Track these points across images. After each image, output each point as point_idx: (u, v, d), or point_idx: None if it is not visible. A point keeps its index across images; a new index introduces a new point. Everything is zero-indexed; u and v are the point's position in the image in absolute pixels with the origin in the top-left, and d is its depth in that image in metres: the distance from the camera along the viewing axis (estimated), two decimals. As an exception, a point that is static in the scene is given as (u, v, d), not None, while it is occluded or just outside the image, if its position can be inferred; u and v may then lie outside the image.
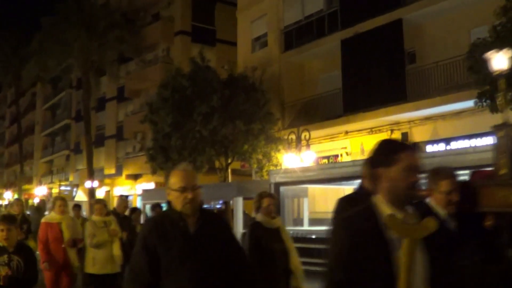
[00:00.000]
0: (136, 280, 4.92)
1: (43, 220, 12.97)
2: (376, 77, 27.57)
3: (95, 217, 12.68)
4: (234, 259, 5.20)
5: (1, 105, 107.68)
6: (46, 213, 19.60)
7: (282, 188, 22.93)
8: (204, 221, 5.16)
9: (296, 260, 8.94)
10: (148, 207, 35.41)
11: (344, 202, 6.78)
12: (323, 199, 26.92)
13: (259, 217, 8.71)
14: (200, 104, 30.09)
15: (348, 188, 25.53)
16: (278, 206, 23.11)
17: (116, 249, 12.40)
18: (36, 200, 75.56)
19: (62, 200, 13.06)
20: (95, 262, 12.14)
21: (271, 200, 8.79)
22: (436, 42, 26.84)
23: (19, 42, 70.38)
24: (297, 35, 33.97)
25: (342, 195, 23.88)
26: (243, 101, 30.53)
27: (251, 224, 8.89)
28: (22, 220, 16.70)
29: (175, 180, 5.14)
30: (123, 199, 16.56)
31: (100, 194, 56.18)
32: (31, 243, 14.14)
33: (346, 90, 29.59)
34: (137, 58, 51.07)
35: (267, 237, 8.49)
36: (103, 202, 13.68)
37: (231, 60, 35.35)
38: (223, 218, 6.41)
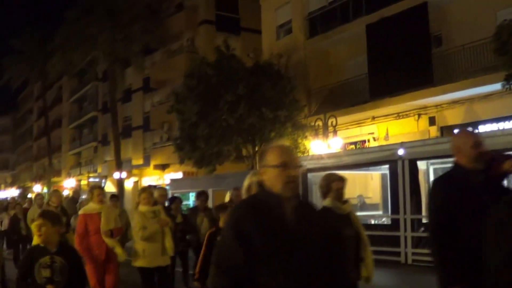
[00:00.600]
0: (229, 274, 4.16)
1: (80, 211, 11.94)
2: (402, 61, 27.40)
3: (142, 207, 11.38)
4: (333, 261, 4.76)
5: (28, 99, 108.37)
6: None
7: (309, 175, 22.99)
8: (303, 209, 4.49)
9: (367, 247, 7.98)
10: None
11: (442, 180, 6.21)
12: (351, 185, 26.82)
13: (328, 202, 7.86)
14: (226, 92, 30.13)
15: (376, 174, 25.60)
16: (306, 193, 23.18)
17: (168, 240, 11.44)
18: (65, 192, 76.07)
19: (100, 188, 12.29)
20: (145, 255, 11.12)
21: (340, 183, 7.98)
22: (462, 24, 26.62)
23: (44, 37, 70.73)
24: (322, 21, 33.87)
25: (370, 180, 24.00)
26: (269, 89, 30.51)
27: (321, 210, 7.62)
28: (61, 213, 16.19)
29: (273, 156, 4.42)
30: (164, 189, 16.23)
31: (128, 185, 56.48)
32: (70, 236, 13.72)
33: (372, 75, 29.47)
34: (161, 48, 51.10)
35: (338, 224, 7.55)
36: (149, 191, 12.13)
37: (256, 48, 35.23)
38: (317, 209, 5.53)
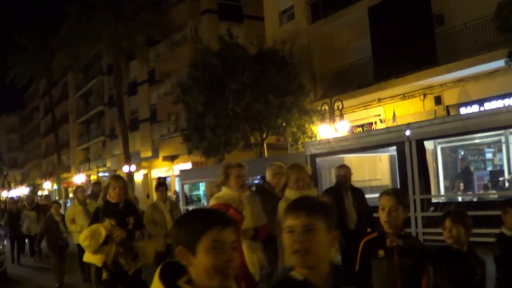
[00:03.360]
0: None
1: (213, 200, 7.97)
2: (405, 42, 27.42)
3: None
4: None
5: (34, 96, 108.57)
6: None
7: (318, 160, 23.05)
8: None
9: None
10: (187, 187, 35.72)
11: None
12: (360, 168, 26.93)
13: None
14: (231, 81, 30.20)
15: (384, 156, 25.67)
16: (315, 178, 23.27)
17: None
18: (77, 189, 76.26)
19: (240, 167, 8.23)
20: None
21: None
22: (463, 3, 26.62)
23: (47, 33, 70.77)
24: (324, 5, 33.86)
25: (378, 162, 24.05)
26: (274, 75, 30.58)
27: None
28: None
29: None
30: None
31: (138, 177, 56.68)
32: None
33: (376, 57, 29.49)
34: (165, 39, 51.23)
35: None
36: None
37: (259, 35, 35.26)
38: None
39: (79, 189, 16.89)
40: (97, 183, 20.45)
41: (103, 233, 8.31)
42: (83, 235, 8.41)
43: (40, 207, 23.90)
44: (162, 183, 14.05)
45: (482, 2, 24.97)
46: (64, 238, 16.49)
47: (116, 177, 9.20)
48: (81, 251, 13.80)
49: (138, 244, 9.14)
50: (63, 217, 16.59)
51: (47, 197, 33.45)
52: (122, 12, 47.46)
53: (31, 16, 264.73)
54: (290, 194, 7.64)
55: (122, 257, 8.95)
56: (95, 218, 9.01)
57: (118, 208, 9.05)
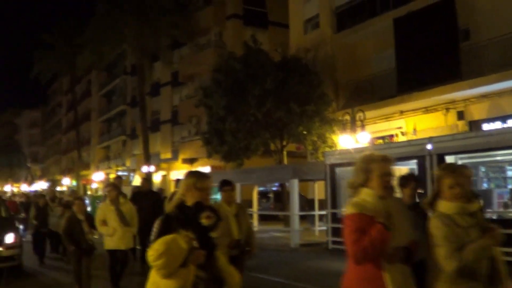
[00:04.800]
0: None
1: (353, 209, 5.50)
2: (429, 55, 27.31)
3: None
4: None
5: (58, 93, 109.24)
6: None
7: (337, 170, 22.99)
8: None
9: None
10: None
11: None
12: (379, 180, 26.87)
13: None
14: (253, 87, 30.23)
15: (404, 168, 25.57)
16: (334, 187, 23.23)
17: None
18: (94, 186, 76.57)
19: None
20: None
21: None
22: (489, 18, 26.47)
23: (73, 31, 71.07)
24: (349, 15, 33.84)
25: (398, 175, 23.88)
26: (297, 83, 30.58)
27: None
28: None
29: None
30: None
31: (156, 178, 56.77)
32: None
33: (400, 69, 29.39)
34: (190, 43, 51.30)
35: None
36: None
37: (283, 42, 35.32)
38: None
39: (110, 186, 14.33)
40: (118, 177, 19.63)
41: (185, 247, 5.67)
42: (156, 250, 5.61)
43: (68, 203, 20.00)
44: (227, 181, 10.65)
45: (509, 18, 24.88)
46: (88, 240, 13.47)
47: (201, 175, 6.30)
48: (113, 259, 13.53)
49: (223, 267, 6.30)
50: (88, 215, 13.89)
51: (73, 192, 31.17)
52: (148, 14, 47.56)
53: (57, 13, 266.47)
54: (445, 207, 5.52)
55: (203, 285, 6.11)
56: (165, 229, 5.99)
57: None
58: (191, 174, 6.26)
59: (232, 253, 9.45)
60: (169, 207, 6.23)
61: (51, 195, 24.17)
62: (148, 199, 17.16)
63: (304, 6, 38.09)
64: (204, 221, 5.86)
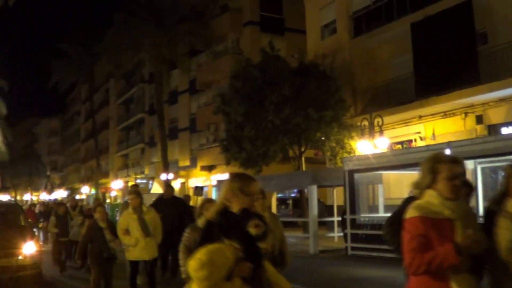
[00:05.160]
0: None
1: (416, 212, 5.74)
2: (447, 59, 27.19)
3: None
4: None
5: (76, 101, 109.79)
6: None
7: (356, 175, 22.95)
8: None
9: None
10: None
11: None
12: (398, 185, 26.74)
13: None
14: (271, 93, 30.24)
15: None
16: (353, 193, 23.18)
17: None
18: (113, 194, 76.74)
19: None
20: None
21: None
22: (507, 21, 26.33)
23: (91, 40, 71.40)
24: (366, 20, 33.77)
25: (417, 180, 23.51)
26: (315, 89, 30.55)
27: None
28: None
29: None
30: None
31: (175, 186, 56.86)
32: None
33: (418, 74, 29.27)
34: (207, 50, 51.49)
35: None
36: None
37: (300, 48, 35.30)
38: None
39: (133, 193, 13.59)
40: (135, 186, 19.23)
41: (231, 258, 5.07)
42: (198, 260, 5.03)
43: (89, 212, 20.75)
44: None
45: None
46: (110, 249, 13.06)
47: (248, 178, 5.70)
48: (134, 270, 13.09)
49: (273, 279, 5.68)
50: (110, 223, 13.43)
51: (96, 200, 28.98)
52: (165, 22, 47.71)
53: (75, 22, 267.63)
54: None
55: None
56: (207, 237, 5.45)
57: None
58: (237, 177, 5.63)
59: None
60: (210, 213, 5.64)
61: (73, 203, 23.87)
62: (171, 206, 16.42)
63: (320, 11, 38.06)
64: (252, 230, 5.23)
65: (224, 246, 5.08)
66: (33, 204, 36.90)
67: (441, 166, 4.87)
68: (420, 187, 4.98)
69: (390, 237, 6.92)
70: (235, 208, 5.37)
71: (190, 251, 8.00)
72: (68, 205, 23.42)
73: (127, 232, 12.70)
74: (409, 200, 5.67)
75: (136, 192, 13.83)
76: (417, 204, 4.82)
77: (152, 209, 13.60)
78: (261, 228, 5.25)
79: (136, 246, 12.65)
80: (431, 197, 4.80)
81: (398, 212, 6.42)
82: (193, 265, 5.01)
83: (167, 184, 19.33)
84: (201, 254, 5.04)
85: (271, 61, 31.96)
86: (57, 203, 27.10)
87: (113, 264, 13.36)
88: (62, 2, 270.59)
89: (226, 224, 5.30)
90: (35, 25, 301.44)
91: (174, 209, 16.28)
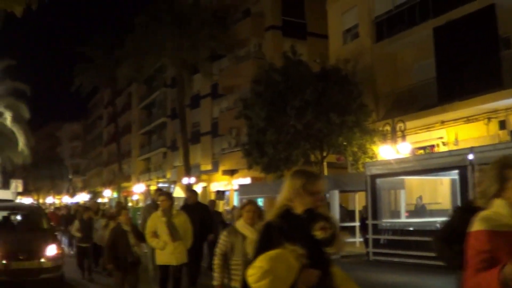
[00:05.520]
0: None
1: (483, 225, 5.07)
2: (470, 64, 27.06)
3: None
4: None
5: (98, 105, 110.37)
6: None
7: (378, 180, 22.91)
8: None
9: None
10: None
11: None
12: (420, 191, 26.68)
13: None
14: (293, 98, 30.24)
15: (445, 179, 25.36)
16: (375, 199, 23.13)
17: None
18: (135, 197, 76.99)
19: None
20: None
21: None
22: (532, 26, 26.22)
23: (113, 44, 71.74)
24: (389, 25, 33.68)
25: (439, 186, 23.86)
26: (337, 94, 30.52)
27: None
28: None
29: None
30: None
31: (197, 190, 56.94)
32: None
33: (440, 78, 29.16)
34: (229, 54, 51.52)
35: None
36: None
37: (322, 53, 35.31)
38: None
39: (164, 195, 13.08)
40: (158, 189, 18.58)
41: (295, 265, 4.48)
42: (259, 268, 4.46)
43: (112, 215, 18.90)
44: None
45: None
46: (134, 253, 12.47)
47: (312, 175, 5.04)
48: (164, 274, 12.67)
49: (342, 284, 5.01)
50: (134, 227, 12.92)
51: (119, 203, 28.79)
52: (187, 26, 47.82)
53: (97, 26, 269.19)
54: None
55: None
56: (266, 242, 4.75)
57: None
58: (300, 174, 4.97)
59: None
60: (270, 215, 4.92)
61: (95, 208, 23.43)
62: (195, 212, 15.11)
63: (343, 16, 38.02)
64: (318, 234, 4.65)
65: (286, 252, 4.49)
66: (57, 208, 36.74)
67: (510, 172, 4.18)
68: (486, 196, 4.28)
69: (443, 253, 6.26)
70: (298, 209, 4.79)
71: (226, 257, 8.15)
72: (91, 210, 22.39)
73: (155, 235, 12.34)
74: (461, 211, 5.62)
75: (167, 194, 13.54)
76: (484, 215, 4.13)
77: (183, 213, 13.04)
78: (328, 231, 4.68)
79: (164, 250, 12.26)
80: (499, 208, 4.11)
81: (450, 224, 6.11)
82: (253, 274, 4.46)
83: (190, 190, 18.62)
84: (261, 262, 4.46)
85: (293, 66, 31.95)
86: (83, 207, 26.66)
87: (138, 269, 12.74)
88: (84, 6, 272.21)
89: (288, 227, 4.71)
90: (57, 29, 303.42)
91: (198, 215, 15.21)
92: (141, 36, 49.61)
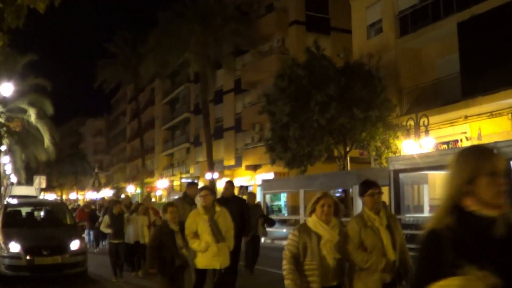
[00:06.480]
0: None
1: None
2: (494, 59, 26.92)
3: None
4: None
5: (122, 101, 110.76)
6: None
7: (401, 175, 22.86)
8: None
9: None
10: (268, 197, 35.77)
11: None
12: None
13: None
14: (316, 93, 30.22)
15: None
16: (398, 194, 23.11)
17: None
18: (158, 193, 77.17)
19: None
20: None
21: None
22: (557, 20, 26.04)
23: (136, 40, 72.02)
24: (413, 20, 33.55)
25: None
26: (360, 89, 30.50)
27: None
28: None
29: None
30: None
31: (220, 185, 57.07)
32: None
33: (464, 73, 29.02)
34: (252, 50, 51.57)
35: None
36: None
37: (346, 47, 35.26)
38: None
39: (206, 190, 11.45)
40: (192, 183, 17.46)
41: None
42: None
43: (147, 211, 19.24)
44: (372, 182, 7.53)
45: None
46: (182, 256, 10.94)
47: (488, 151, 3.43)
48: (200, 280, 11.23)
49: None
50: (182, 226, 11.04)
51: (147, 198, 24.46)
52: (210, 22, 47.95)
53: (120, 22, 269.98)
54: None
55: None
56: (432, 263, 3.25)
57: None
58: (474, 151, 3.45)
59: (386, 279, 7.18)
60: (434, 217, 3.37)
61: (127, 202, 22.55)
62: (232, 206, 13.05)
63: (366, 11, 37.91)
64: None
65: (471, 283, 2.95)
66: (86, 205, 35.43)
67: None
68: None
69: None
70: (474, 205, 3.28)
71: (296, 260, 7.09)
72: (122, 204, 21.18)
73: (196, 235, 10.90)
74: None
75: (209, 188, 12.00)
76: None
77: (226, 209, 11.36)
78: None
79: (206, 252, 10.81)
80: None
81: None
82: None
83: (228, 182, 16.92)
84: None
85: (317, 61, 31.91)
86: (112, 201, 25.28)
87: (184, 273, 11.32)
88: (107, 2, 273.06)
89: (471, 238, 3.15)
90: (81, 26, 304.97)
91: (235, 210, 13.49)
92: (165, 31, 49.74)
